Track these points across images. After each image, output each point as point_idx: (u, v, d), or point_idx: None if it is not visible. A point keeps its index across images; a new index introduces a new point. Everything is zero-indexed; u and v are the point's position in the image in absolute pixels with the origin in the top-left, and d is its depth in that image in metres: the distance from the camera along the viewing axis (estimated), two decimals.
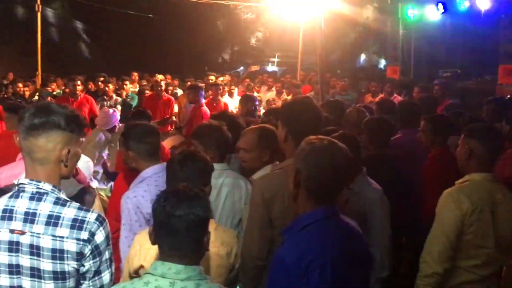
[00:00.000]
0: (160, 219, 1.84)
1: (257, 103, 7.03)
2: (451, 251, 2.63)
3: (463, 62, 13.58)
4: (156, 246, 1.95)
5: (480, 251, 2.66)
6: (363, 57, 19.58)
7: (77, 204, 1.90)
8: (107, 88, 8.93)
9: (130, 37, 18.09)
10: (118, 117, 6.13)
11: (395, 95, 9.30)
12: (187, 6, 14.87)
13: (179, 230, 1.81)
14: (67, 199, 1.91)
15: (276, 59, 20.16)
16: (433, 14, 11.24)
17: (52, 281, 1.83)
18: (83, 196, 3.00)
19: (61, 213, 1.84)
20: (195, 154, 2.54)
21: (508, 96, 7.37)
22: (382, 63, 17.42)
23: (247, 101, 6.59)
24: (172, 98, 8.63)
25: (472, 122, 4.38)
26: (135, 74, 11.92)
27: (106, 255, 1.91)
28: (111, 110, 6.17)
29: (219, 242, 2.40)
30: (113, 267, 1.98)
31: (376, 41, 16.61)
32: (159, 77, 8.58)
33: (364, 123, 4.11)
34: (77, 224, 1.83)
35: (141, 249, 2.32)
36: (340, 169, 1.93)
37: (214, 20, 17.36)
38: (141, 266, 2.30)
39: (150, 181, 2.84)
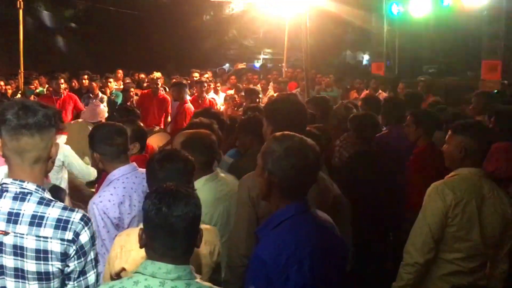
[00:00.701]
0: (156, 221, 1.79)
1: (260, 96, 7.23)
2: (433, 243, 2.68)
3: (446, 58, 13.69)
4: (137, 248, 1.93)
5: (464, 244, 2.71)
6: (348, 53, 19.66)
7: (62, 204, 1.88)
8: (93, 85, 8.84)
9: (114, 34, 17.91)
10: (106, 115, 6.08)
11: (380, 91, 9.36)
12: (172, 2, 14.78)
13: (178, 230, 1.79)
14: (52, 198, 1.88)
15: (262, 56, 20.17)
16: (417, 10, 11.32)
17: (36, 282, 1.81)
18: (56, 194, 2.98)
19: (45, 213, 1.81)
20: (174, 153, 2.49)
21: (495, 91, 7.46)
22: (367, 59, 17.51)
23: (252, 94, 6.96)
24: (168, 97, 8.55)
25: (455, 118, 4.43)
26: (120, 71, 11.81)
27: (91, 255, 1.90)
28: (102, 105, 6.12)
29: (202, 241, 2.37)
30: (99, 268, 1.96)
31: (361, 38, 16.68)
32: (156, 74, 8.57)
33: (350, 120, 4.15)
34: (61, 224, 1.81)
35: (122, 251, 2.28)
36: (312, 168, 1.97)
37: (199, 17, 17.27)
38: (123, 269, 2.26)
39: (118, 184, 2.78)
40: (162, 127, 7.80)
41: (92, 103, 6.56)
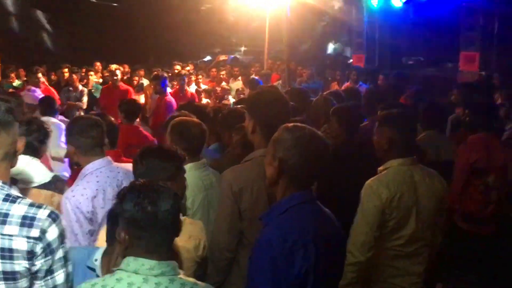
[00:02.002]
0: (144, 220, 1.74)
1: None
2: (374, 240, 2.75)
3: (425, 50, 13.84)
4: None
5: (403, 232, 2.81)
6: (330, 45, 19.71)
7: (29, 201, 1.83)
8: (73, 78, 8.71)
9: (94, 26, 17.65)
10: None
11: (361, 83, 9.43)
12: None
13: (167, 225, 1.77)
14: (19, 195, 1.83)
15: (243, 48, 20.06)
16: (396, 2, 11.42)
17: (2, 282, 1.76)
18: (55, 183, 2.95)
19: (10, 210, 1.76)
20: (157, 148, 2.48)
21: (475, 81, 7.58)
22: (348, 51, 17.58)
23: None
24: (130, 89, 8.45)
25: (431, 108, 4.50)
26: (98, 64, 11.65)
27: (60, 253, 1.84)
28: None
29: (187, 235, 2.38)
30: (70, 267, 1.90)
31: (341, 30, 16.73)
32: (113, 66, 8.39)
33: (333, 111, 4.14)
34: (27, 222, 1.76)
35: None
36: (323, 158, 2.02)
37: (180, 8, 17.12)
38: None
39: (91, 178, 2.75)
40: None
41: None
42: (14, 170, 1.94)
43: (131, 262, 1.75)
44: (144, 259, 1.75)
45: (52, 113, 5.42)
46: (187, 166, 2.85)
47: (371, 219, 2.75)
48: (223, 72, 11.35)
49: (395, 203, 2.76)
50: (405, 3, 11.23)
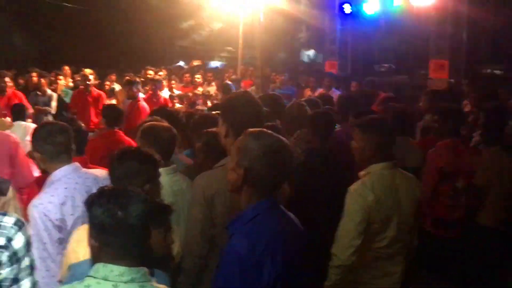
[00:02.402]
0: (113, 226, 1.71)
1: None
2: (359, 244, 2.80)
3: (397, 57, 14.09)
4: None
5: (385, 235, 2.88)
6: (302, 51, 19.86)
7: None
8: (42, 82, 8.54)
9: (64, 30, 17.35)
10: None
11: (334, 89, 9.52)
12: None
13: (137, 230, 1.73)
14: None
15: (224, 54, 20.00)
16: (368, 10, 11.61)
17: None
18: None
19: None
20: (134, 150, 2.44)
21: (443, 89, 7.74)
22: (321, 58, 17.75)
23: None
24: (102, 94, 8.35)
25: (398, 115, 4.55)
26: (67, 68, 11.42)
27: (26, 261, 1.80)
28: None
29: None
30: (36, 275, 1.86)
31: (315, 37, 16.89)
32: (87, 71, 8.27)
33: (308, 117, 4.22)
34: None
35: (79, 245, 2.19)
36: (288, 166, 2.02)
37: (151, 12, 16.98)
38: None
39: (59, 184, 2.68)
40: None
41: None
42: None
43: (100, 268, 1.72)
44: (114, 265, 1.71)
45: (22, 119, 5.33)
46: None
47: (357, 221, 2.80)
48: (198, 76, 11.30)
49: (379, 206, 2.82)
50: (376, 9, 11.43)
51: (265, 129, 2.06)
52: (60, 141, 2.73)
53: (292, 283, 1.95)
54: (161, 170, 2.82)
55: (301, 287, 2.06)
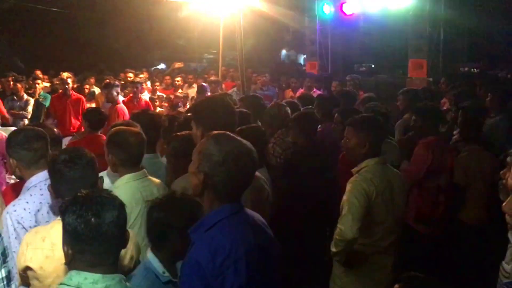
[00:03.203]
0: (86, 233, 1.67)
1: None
2: (360, 222, 2.89)
3: (376, 57, 14.22)
4: (43, 247, 1.82)
5: (380, 227, 3.00)
6: (283, 52, 19.91)
7: None
8: (18, 87, 8.40)
9: (42, 33, 17.10)
10: None
11: (314, 89, 9.55)
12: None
13: (112, 237, 1.69)
14: None
15: (206, 56, 19.88)
16: (347, 10, 11.69)
17: None
18: None
19: None
20: (79, 151, 2.39)
21: (421, 88, 7.82)
22: (301, 58, 17.82)
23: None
24: (82, 97, 8.25)
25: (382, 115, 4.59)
26: (38, 72, 11.17)
27: (2, 273, 1.78)
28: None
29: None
30: (13, 286, 1.82)
31: (295, 37, 16.95)
32: (65, 74, 8.16)
33: (293, 117, 4.36)
34: None
35: (27, 249, 2.16)
36: (251, 171, 1.97)
37: (131, 15, 16.85)
38: (28, 268, 2.13)
39: (34, 191, 2.63)
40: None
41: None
42: None
43: (73, 276, 1.69)
44: (88, 273, 1.68)
45: None
46: (125, 177, 2.81)
47: (361, 202, 2.90)
48: (178, 79, 11.22)
49: (378, 199, 2.95)
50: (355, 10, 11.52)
51: (228, 133, 1.99)
52: (37, 147, 2.68)
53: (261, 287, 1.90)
54: (128, 175, 2.80)
55: None
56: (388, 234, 3.04)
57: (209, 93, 7.97)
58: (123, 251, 2.29)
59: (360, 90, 8.22)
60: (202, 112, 2.65)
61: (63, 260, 2.09)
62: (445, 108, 6.49)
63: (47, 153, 2.76)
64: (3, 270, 1.78)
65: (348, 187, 2.99)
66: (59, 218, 2.21)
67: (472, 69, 12.13)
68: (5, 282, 1.80)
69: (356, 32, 13.35)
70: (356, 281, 3.06)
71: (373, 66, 14.17)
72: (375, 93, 7.63)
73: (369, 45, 13.83)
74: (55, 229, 2.20)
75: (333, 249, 2.96)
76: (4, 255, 1.79)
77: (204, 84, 9.15)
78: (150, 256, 2.25)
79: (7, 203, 2.74)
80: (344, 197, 2.97)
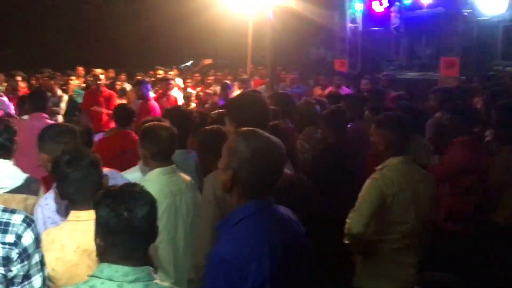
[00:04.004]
0: (118, 227, 1.71)
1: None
2: (370, 220, 2.93)
3: (407, 55, 14.00)
4: (53, 249, 1.85)
5: (402, 226, 2.98)
6: (313, 50, 19.81)
7: (1, 207, 1.81)
8: (51, 84, 8.62)
9: (77, 30, 17.49)
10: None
11: (343, 87, 9.50)
12: None
13: (142, 231, 1.73)
14: None
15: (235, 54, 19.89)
16: (378, 8, 11.56)
17: None
18: (29, 185, 2.87)
19: None
20: (80, 150, 2.41)
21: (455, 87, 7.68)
22: (331, 56, 17.70)
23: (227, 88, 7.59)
24: (113, 94, 8.41)
25: (412, 113, 4.55)
26: (80, 68, 11.52)
27: (36, 258, 1.82)
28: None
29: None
30: (46, 271, 1.88)
31: (324, 35, 16.85)
32: (98, 71, 8.34)
33: (323, 115, 4.35)
34: (1, 227, 1.75)
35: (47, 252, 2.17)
36: (279, 169, 1.97)
37: (161, 12, 17.05)
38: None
39: None
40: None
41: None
42: None
43: (105, 268, 1.72)
44: (118, 265, 1.71)
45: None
46: (155, 171, 2.85)
47: (373, 201, 2.92)
48: (211, 77, 11.32)
49: (398, 197, 2.93)
50: (386, 8, 11.37)
51: (257, 130, 2.00)
52: (67, 142, 2.73)
53: (285, 285, 1.90)
54: (158, 170, 2.85)
55: None
56: (411, 234, 3.01)
57: (233, 91, 8.04)
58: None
59: (390, 90, 8.12)
60: (236, 108, 2.67)
61: (73, 262, 2.17)
62: (478, 107, 6.36)
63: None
64: (37, 255, 1.83)
65: (366, 182, 3.02)
66: (66, 219, 2.29)
67: (506, 68, 11.83)
68: (39, 267, 1.85)
69: (386, 30, 13.19)
70: (376, 278, 3.07)
71: (403, 64, 13.95)
72: (405, 92, 7.54)
73: (400, 43, 13.63)
74: (64, 230, 2.25)
75: (346, 241, 3.02)
76: (38, 240, 1.84)
77: (227, 81, 9.22)
78: None
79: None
80: (360, 193, 3.00)
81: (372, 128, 3.18)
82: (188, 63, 15.21)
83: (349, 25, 13.14)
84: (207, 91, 10.02)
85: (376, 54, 13.71)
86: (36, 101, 5.06)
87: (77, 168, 2.26)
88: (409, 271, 3.05)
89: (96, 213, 1.75)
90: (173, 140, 2.94)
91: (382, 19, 12.17)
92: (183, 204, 2.88)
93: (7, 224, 1.75)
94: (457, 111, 4.22)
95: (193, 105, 9.01)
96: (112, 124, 6.78)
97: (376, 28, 12.82)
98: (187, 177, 3.04)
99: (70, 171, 2.25)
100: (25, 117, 5.17)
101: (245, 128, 2.02)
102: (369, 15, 12.03)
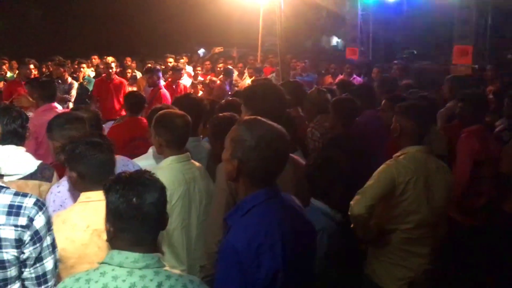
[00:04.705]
0: (128, 213, 1.72)
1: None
2: (373, 204, 2.93)
3: (419, 43, 13.85)
4: (62, 230, 1.86)
5: (414, 216, 2.98)
6: (323, 38, 19.67)
7: (13, 190, 1.84)
8: (61, 71, 8.65)
9: (87, 18, 17.51)
10: None
11: (354, 76, 9.43)
12: None
13: (151, 217, 1.74)
14: (2, 185, 1.84)
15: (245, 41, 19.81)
16: None
17: None
18: (42, 171, 2.91)
19: None
20: (98, 136, 2.43)
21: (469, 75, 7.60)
22: (342, 44, 17.57)
23: (231, 73, 7.77)
24: (124, 81, 8.43)
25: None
26: (96, 57, 11.54)
27: (48, 240, 1.86)
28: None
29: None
30: (57, 254, 1.92)
31: (335, 23, 16.70)
32: (109, 59, 8.36)
33: (332, 103, 4.26)
34: (13, 210, 1.77)
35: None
36: (284, 157, 1.96)
37: (172, 1, 17.01)
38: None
39: None
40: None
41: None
42: None
43: (115, 255, 1.74)
44: (128, 252, 1.73)
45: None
46: (169, 159, 2.87)
47: (381, 187, 2.92)
48: (220, 65, 11.29)
49: (410, 186, 2.92)
50: None
51: (258, 118, 1.98)
52: (77, 128, 2.76)
53: (295, 277, 1.91)
54: (172, 157, 2.86)
55: (306, 279, 2.01)
56: (423, 224, 3.00)
57: (243, 79, 8.06)
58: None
59: (402, 79, 8.04)
60: (253, 97, 2.66)
61: (83, 241, 2.20)
62: (490, 96, 6.29)
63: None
64: (48, 238, 1.87)
65: (380, 168, 3.02)
66: (79, 200, 2.32)
67: None
68: (50, 249, 1.89)
69: (399, 17, 13.04)
70: (387, 267, 3.07)
71: (415, 52, 13.80)
72: (417, 80, 7.47)
73: (412, 31, 13.47)
74: (74, 211, 2.29)
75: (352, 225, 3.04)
76: (49, 223, 1.88)
77: (229, 67, 9.30)
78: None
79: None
80: (371, 178, 3.02)
81: (394, 116, 3.17)
82: (199, 52, 15.20)
83: (361, 12, 12.99)
84: (213, 78, 10.02)
85: (388, 42, 13.57)
86: (45, 91, 5.13)
87: (99, 150, 2.31)
88: (420, 261, 3.04)
89: (106, 198, 1.77)
90: (188, 128, 2.96)
91: (394, 7, 12.02)
92: (197, 191, 2.90)
93: (19, 207, 1.79)
94: (469, 99, 4.17)
95: (200, 93, 9.02)
96: (124, 113, 6.82)
97: (389, 16, 12.66)
98: (198, 164, 3.05)
99: (90, 152, 2.29)
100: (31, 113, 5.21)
101: (247, 117, 2.02)
102: (381, 2, 11.89)
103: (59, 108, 5.21)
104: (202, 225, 2.85)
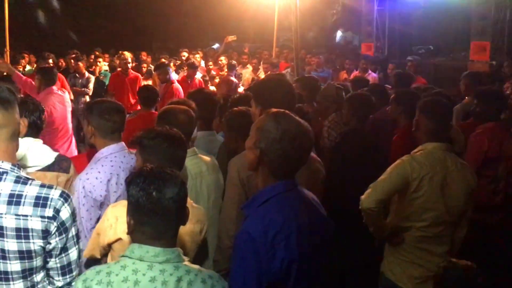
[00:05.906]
0: (148, 206, 1.74)
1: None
2: (384, 199, 2.92)
3: (436, 38, 13.70)
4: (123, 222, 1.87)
5: (430, 214, 2.93)
6: (339, 34, 19.56)
7: (39, 182, 1.88)
8: (79, 65, 8.76)
9: (103, 12, 17.64)
10: None
11: (370, 71, 9.38)
12: None
13: (171, 212, 1.76)
14: (28, 177, 1.87)
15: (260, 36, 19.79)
16: None
17: (18, 261, 1.81)
18: (60, 163, 2.95)
19: (22, 191, 1.81)
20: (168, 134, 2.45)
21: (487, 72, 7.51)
22: (357, 40, 17.46)
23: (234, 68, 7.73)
24: (139, 76, 8.51)
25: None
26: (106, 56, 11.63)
27: (73, 231, 1.90)
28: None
29: (195, 219, 2.38)
30: (81, 244, 1.96)
31: (351, 18, 16.59)
32: (126, 54, 8.44)
33: (347, 99, 4.22)
34: (40, 202, 1.81)
35: (117, 222, 2.25)
36: (306, 151, 1.97)
37: None
38: (119, 239, 2.25)
39: (106, 162, 2.73)
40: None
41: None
42: (16, 154, 1.96)
43: (135, 249, 1.76)
44: (149, 246, 1.75)
45: None
46: None
47: (393, 183, 2.90)
48: (222, 58, 11.28)
49: (425, 182, 2.88)
50: None
51: (287, 112, 1.99)
52: (115, 120, 2.80)
53: (309, 270, 1.91)
54: None
55: (320, 273, 2.01)
56: (439, 222, 2.95)
57: (258, 74, 8.08)
58: (202, 225, 2.42)
59: (417, 75, 7.97)
60: (261, 91, 2.67)
61: None
62: (508, 93, 6.22)
63: (123, 127, 2.88)
64: (73, 229, 1.91)
65: (394, 163, 2.99)
66: None
67: None
68: (75, 240, 1.93)
69: (415, 13, 12.92)
70: (403, 265, 3.05)
71: (432, 48, 13.65)
72: (433, 77, 7.40)
73: (428, 26, 13.33)
74: None
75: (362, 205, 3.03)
76: (74, 214, 1.91)
77: (233, 61, 9.39)
78: None
79: (81, 169, 2.85)
80: (384, 172, 2.99)
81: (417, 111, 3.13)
82: (214, 46, 15.22)
83: (377, 7, 12.89)
84: (221, 72, 10.04)
85: (404, 38, 13.44)
86: (46, 76, 5.52)
87: (177, 144, 2.38)
88: (436, 260, 2.96)
89: (127, 191, 1.80)
90: (191, 123, 2.94)
91: (411, 2, 11.90)
92: (204, 186, 2.91)
93: (45, 198, 1.82)
94: (484, 95, 4.12)
95: (211, 88, 9.06)
96: (139, 107, 6.88)
97: (405, 11, 12.55)
98: (207, 158, 3.05)
99: (165, 146, 2.34)
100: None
101: (276, 109, 2.02)
102: None
103: (58, 92, 5.48)
104: (211, 220, 2.84)
